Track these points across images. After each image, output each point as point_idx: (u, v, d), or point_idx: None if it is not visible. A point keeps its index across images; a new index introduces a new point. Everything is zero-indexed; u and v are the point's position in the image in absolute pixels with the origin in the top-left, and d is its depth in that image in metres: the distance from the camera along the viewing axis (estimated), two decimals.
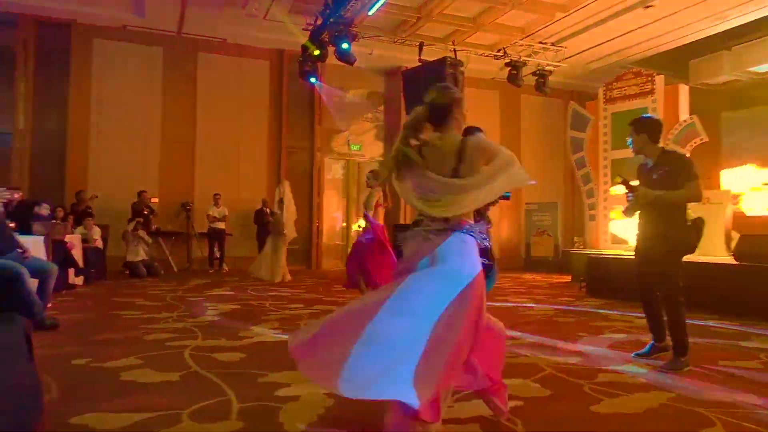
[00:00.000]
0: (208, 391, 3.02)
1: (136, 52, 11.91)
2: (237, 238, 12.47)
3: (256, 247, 11.72)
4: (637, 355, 4.11)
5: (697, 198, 3.87)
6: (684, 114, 10.99)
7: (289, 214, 9.84)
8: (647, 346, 4.14)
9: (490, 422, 2.61)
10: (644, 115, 4.34)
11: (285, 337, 4.59)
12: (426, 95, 2.58)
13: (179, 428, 2.45)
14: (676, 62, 13.33)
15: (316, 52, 10.81)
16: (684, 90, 11.27)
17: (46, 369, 3.32)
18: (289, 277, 9.85)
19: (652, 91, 11.20)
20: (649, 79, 11.31)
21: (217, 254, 11.81)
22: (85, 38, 11.51)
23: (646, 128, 4.04)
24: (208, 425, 2.50)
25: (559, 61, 12.57)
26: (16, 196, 4.68)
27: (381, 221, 6.67)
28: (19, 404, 2.19)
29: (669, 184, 3.84)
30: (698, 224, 3.88)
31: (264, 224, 11.48)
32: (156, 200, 11.42)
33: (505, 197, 3.66)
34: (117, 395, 2.92)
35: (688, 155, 4.10)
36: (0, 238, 4.72)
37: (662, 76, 11.31)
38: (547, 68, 12.51)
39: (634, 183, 4.06)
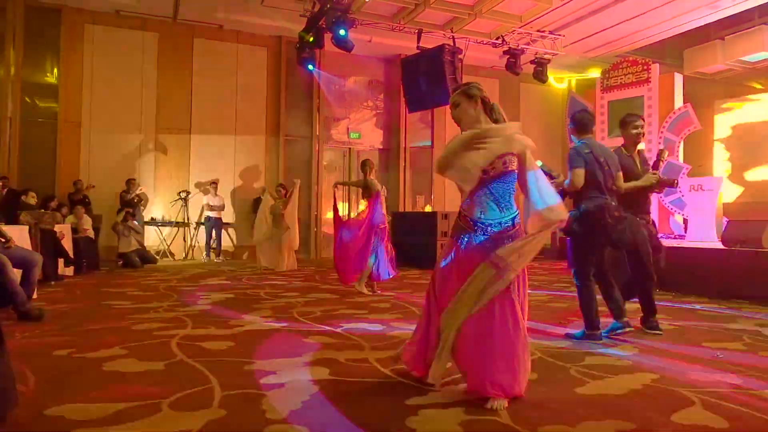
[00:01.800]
0: (192, 379, 2.97)
1: (130, 38, 11.76)
2: (234, 227, 12.44)
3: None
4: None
5: (571, 187, 4.03)
6: (678, 102, 10.97)
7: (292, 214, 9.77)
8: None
9: (473, 404, 2.59)
10: (578, 110, 4.54)
11: (276, 325, 4.57)
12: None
13: (158, 417, 2.41)
14: (671, 51, 13.31)
15: (311, 39, 10.72)
16: (678, 79, 11.25)
17: (25, 360, 3.29)
18: (286, 267, 9.76)
19: (647, 80, 11.16)
20: (645, 67, 11.26)
21: (214, 243, 11.77)
22: (75, 23, 11.34)
23: (572, 121, 4.34)
24: (188, 413, 2.45)
25: (557, 50, 12.47)
26: None
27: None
28: None
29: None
30: (582, 214, 4.07)
31: None
32: (143, 189, 11.32)
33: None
34: (97, 386, 2.87)
35: (576, 146, 4.10)
36: None
37: (657, 65, 11.26)
38: (545, 56, 12.42)
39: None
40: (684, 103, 10.92)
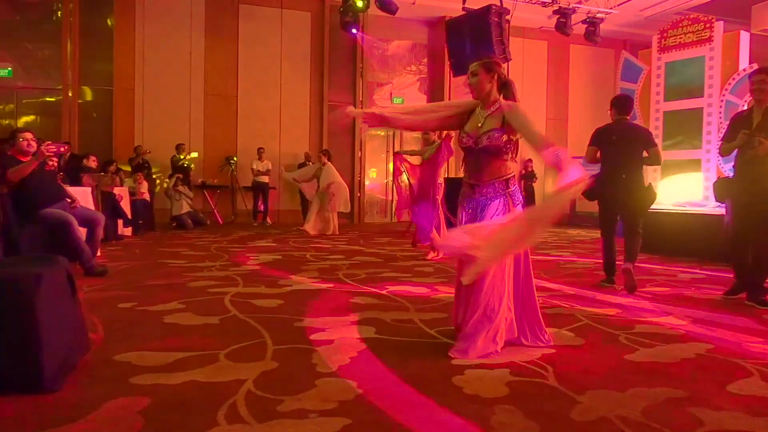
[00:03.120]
0: (246, 333, 3.11)
1: (178, 6, 11.96)
2: (280, 191, 12.67)
3: (299, 201, 11.91)
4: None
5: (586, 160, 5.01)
6: (744, 62, 10.37)
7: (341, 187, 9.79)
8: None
9: (520, 367, 2.62)
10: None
11: (323, 286, 4.70)
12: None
13: (216, 366, 2.55)
14: (738, 7, 12.51)
15: (359, 3, 10.60)
16: (745, 37, 10.59)
17: (93, 311, 3.51)
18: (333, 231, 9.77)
19: (710, 39, 10.57)
20: (708, 25, 10.66)
21: (261, 207, 12.03)
22: None
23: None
24: (244, 364, 2.58)
25: (611, 8, 11.98)
26: (62, 149, 4.81)
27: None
28: (65, 339, 2.31)
29: None
30: None
31: None
32: (195, 154, 11.62)
33: None
34: (159, 336, 3.05)
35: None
36: (50, 188, 4.92)
37: (721, 23, 10.63)
38: (599, 15, 11.96)
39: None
40: (750, 63, 10.33)
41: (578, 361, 2.73)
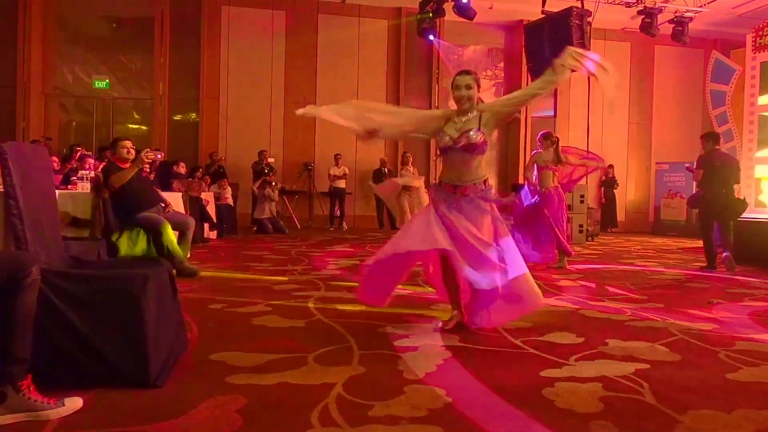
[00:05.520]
0: (331, 338, 3.17)
1: (261, 17, 12.44)
2: (356, 196, 12.85)
3: (374, 206, 12.05)
4: None
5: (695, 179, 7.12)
6: None
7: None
8: None
9: (613, 381, 2.52)
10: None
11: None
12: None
13: (305, 369, 2.61)
14: None
15: (430, 15, 10.68)
16: None
17: (187, 311, 3.66)
18: None
19: None
20: None
21: (338, 212, 12.25)
22: (214, 6, 12.20)
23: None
24: (332, 368, 2.62)
25: (700, 6, 11.37)
26: (159, 156, 5.13)
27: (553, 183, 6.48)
28: (168, 337, 2.44)
29: None
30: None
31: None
32: (272, 159, 11.98)
33: None
34: (249, 338, 3.16)
35: (702, 155, 6.79)
36: (147, 193, 5.23)
37: None
38: (687, 14, 11.38)
39: None
40: None
41: (676, 379, 2.58)
